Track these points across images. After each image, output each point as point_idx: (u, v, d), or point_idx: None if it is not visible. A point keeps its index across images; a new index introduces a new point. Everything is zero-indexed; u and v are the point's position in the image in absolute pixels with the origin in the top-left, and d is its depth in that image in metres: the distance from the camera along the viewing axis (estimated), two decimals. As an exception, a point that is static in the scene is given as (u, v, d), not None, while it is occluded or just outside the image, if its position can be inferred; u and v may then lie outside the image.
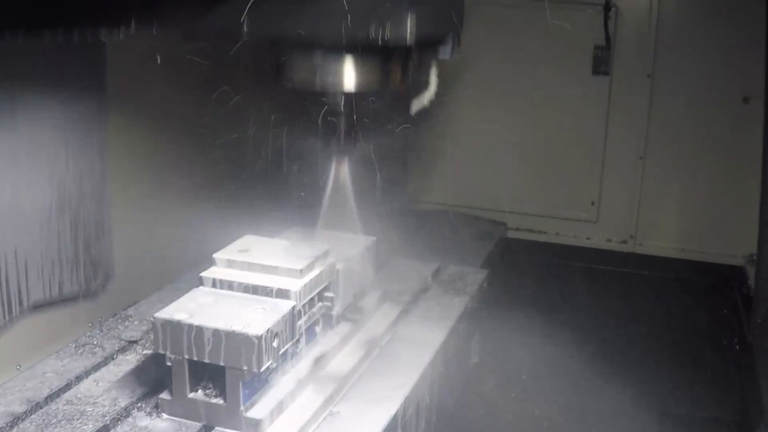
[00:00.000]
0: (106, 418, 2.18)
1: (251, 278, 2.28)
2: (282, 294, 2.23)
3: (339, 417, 2.24)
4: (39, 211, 2.44)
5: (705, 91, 4.16)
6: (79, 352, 2.53)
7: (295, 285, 2.26)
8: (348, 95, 2.38)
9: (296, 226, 2.70)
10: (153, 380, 2.35)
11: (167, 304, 2.20)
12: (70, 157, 2.52)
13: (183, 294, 2.26)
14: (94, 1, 1.96)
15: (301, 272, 2.30)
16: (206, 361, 2.08)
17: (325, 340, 2.49)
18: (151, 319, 2.15)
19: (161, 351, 2.12)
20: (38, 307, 2.46)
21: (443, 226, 4.25)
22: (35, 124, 2.37)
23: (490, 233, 4.32)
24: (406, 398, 2.35)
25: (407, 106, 2.59)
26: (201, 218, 3.00)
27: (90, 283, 2.67)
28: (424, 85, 2.61)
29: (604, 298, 4.08)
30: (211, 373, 2.12)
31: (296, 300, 2.23)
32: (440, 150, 4.41)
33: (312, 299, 2.35)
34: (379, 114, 2.53)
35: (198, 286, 2.30)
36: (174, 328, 2.09)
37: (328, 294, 2.45)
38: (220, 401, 2.12)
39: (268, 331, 2.06)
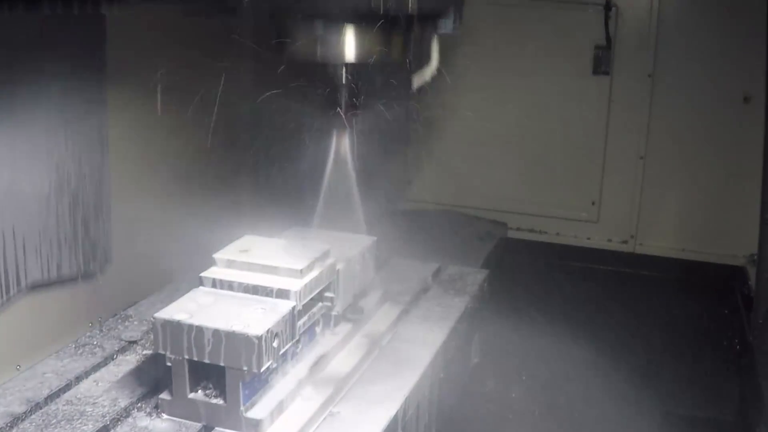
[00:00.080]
0: (106, 418, 2.17)
1: (251, 278, 2.28)
2: (282, 294, 2.23)
3: (339, 417, 2.23)
4: (37, 191, 2.41)
5: (705, 91, 4.16)
6: (79, 352, 2.53)
7: (295, 285, 2.25)
8: (349, 66, 2.36)
9: (296, 222, 2.69)
10: (153, 380, 2.35)
11: (167, 304, 2.19)
12: (69, 136, 2.50)
13: (183, 294, 2.26)
14: None
15: (301, 272, 2.29)
16: (206, 361, 2.07)
17: (325, 341, 2.48)
18: (151, 319, 2.14)
19: (161, 351, 2.11)
20: (36, 287, 2.45)
21: (443, 226, 4.25)
22: (34, 102, 2.35)
23: (491, 233, 4.32)
24: (406, 399, 2.34)
25: (408, 81, 2.57)
26: (204, 201, 2.97)
27: (89, 264, 2.65)
28: (425, 60, 2.60)
29: (605, 298, 4.08)
30: (211, 374, 2.12)
31: (296, 300, 2.23)
32: (441, 150, 4.41)
33: (312, 299, 2.35)
34: (381, 87, 2.50)
35: (198, 286, 2.30)
36: (174, 328, 2.08)
37: (328, 294, 2.44)
38: (220, 401, 2.11)
39: (268, 331, 2.06)
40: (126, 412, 2.22)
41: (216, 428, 2.12)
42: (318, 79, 2.40)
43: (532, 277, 4.10)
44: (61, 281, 2.54)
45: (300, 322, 2.28)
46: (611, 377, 3.33)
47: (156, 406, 2.21)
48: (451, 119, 4.14)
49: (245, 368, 2.04)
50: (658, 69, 4.19)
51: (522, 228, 4.54)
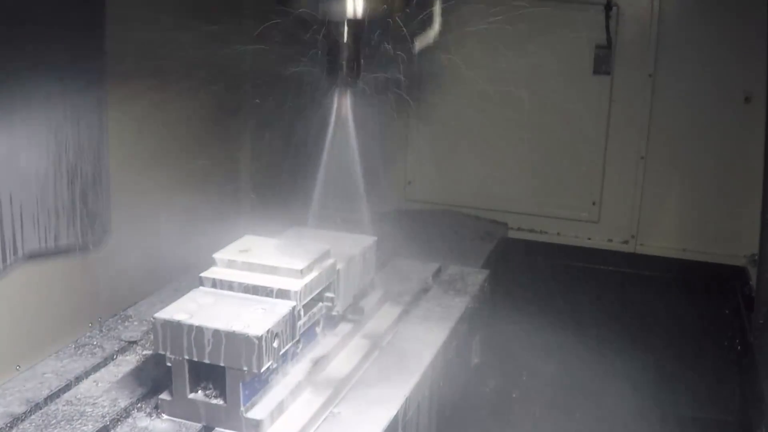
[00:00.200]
0: (106, 418, 2.17)
1: (251, 278, 2.28)
2: (282, 294, 2.23)
3: (339, 418, 2.23)
4: (35, 159, 2.40)
5: (706, 90, 4.14)
6: (79, 352, 2.53)
7: (295, 285, 2.25)
8: (350, 23, 2.35)
9: (297, 216, 2.69)
10: (153, 381, 2.34)
11: (167, 304, 2.19)
12: (68, 106, 2.48)
13: (183, 294, 2.26)
14: None
15: (302, 272, 2.29)
16: (206, 361, 2.07)
17: (326, 341, 2.48)
18: (151, 319, 2.14)
19: (161, 351, 2.11)
20: (33, 257, 2.44)
21: (443, 226, 4.24)
22: (32, 70, 2.33)
23: (491, 233, 4.31)
24: (406, 399, 2.34)
25: (411, 42, 2.57)
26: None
27: (87, 236, 2.64)
28: (427, 22, 2.59)
29: (606, 298, 4.08)
30: (211, 374, 2.12)
31: (296, 300, 2.23)
32: (441, 150, 4.41)
33: (312, 299, 2.35)
34: (382, 46, 2.49)
35: (198, 286, 2.29)
36: (174, 328, 2.08)
37: (328, 294, 2.44)
38: (220, 402, 2.11)
39: (268, 331, 2.06)
40: (126, 413, 2.21)
41: (216, 429, 2.12)
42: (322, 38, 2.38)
43: (533, 277, 4.09)
44: (58, 252, 2.53)
45: (300, 323, 2.27)
46: (612, 378, 3.33)
47: (156, 407, 2.21)
48: (451, 119, 4.13)
49: (245, 368, 2.04)
50: (659, 69, 4.18)
51: (522, 228, 4.53)
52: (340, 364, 2.44)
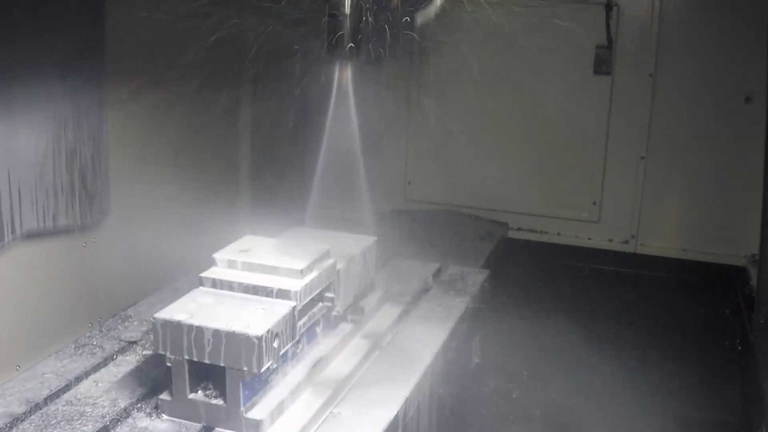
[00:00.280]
0: (106, 419, 2.17)
1: (251, 278, 2.28)
2: (282, 294, 2.22)
3: (339, 418, 2.23)
4: (34, 139, 2.40)
5: (707, 90, 4.15)
6: (79, 352, 2.53)
7: (295, 285, 2.25)
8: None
9: (297, 217, 2.68)
10: (153, 381, 2.34)
11: (167, 305, 2.19)
12: (67, 87, 2.48)
13: (183, 294, 2.26)
14: None
15: (302, 272, 2.29)
16: (206, 361, 2.07)
17: (326, 341, 2.48)
18: (151, 319, 2.14)
19: (161, 351, 2.11)
20: (32, 236, 2.43)
21: (443, 226, 4.25)
22: (31, 53, 2.33)
23: (492, 233, 4.32)
24: (407, 399, 2.34)
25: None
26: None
27: (85, 216, 2.64)
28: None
29: (606, 298, 4.08)
30: (211, 374, 2.11)
31: (297, 300, 2.23)
32: (441, 150, 4.41)
33: (312, 300, 2.35)
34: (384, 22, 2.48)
35: (198, 287, 2.29)
36: (174, 328, 2.08)
37: (328, 294, 2.44)
38: (220, 402, 2.11)
39: (268, 331, 2.06)
40: (126, 413, 2.21)
41: (216, 429, 2.11)
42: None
43: (533, 277, 4.09)
44: (57, 232, 2.53)
45: (300, 323, 2.27)
46: (612, 378, 3.33)
47: (156, 407, 2.21)
48: (451, 120, 4.13)
49: (245, 368, 2.04)
50: (660, 69, 4.18)
51: (523, 228, 4.53)
52: (340, 365, 2.44)
